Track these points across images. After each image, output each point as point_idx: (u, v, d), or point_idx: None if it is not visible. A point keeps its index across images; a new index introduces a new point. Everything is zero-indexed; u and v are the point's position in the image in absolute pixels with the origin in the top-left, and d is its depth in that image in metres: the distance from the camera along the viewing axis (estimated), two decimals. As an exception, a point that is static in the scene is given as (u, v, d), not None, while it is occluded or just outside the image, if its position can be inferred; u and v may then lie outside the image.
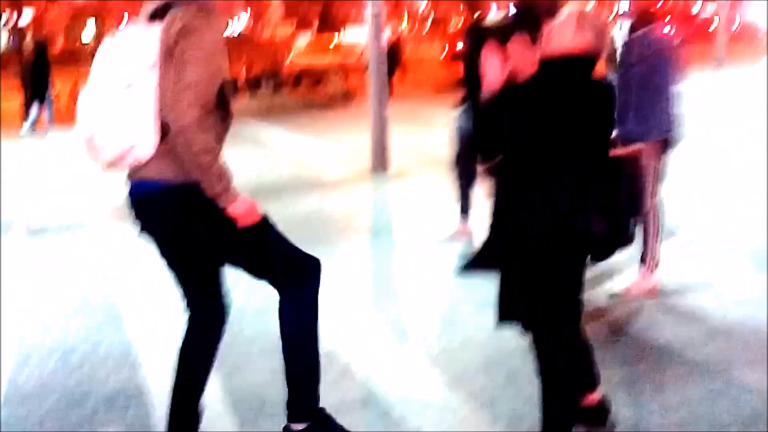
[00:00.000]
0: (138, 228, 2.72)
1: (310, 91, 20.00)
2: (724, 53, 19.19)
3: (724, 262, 4.80)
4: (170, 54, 2.51)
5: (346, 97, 17.93)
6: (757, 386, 3.17)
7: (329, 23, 36.70)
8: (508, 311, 2.80)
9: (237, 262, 2.74)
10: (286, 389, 2.80)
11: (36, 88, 15.40)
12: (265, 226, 2.70)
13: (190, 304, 2.84)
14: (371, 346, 3.88)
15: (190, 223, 2.61)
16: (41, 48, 16.56)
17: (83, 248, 6.22)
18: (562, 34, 2.70)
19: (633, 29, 4.22)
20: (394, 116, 9.29)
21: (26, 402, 3.47)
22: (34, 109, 15.32)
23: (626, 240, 2.73)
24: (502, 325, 2.80)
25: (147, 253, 5.26)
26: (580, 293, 2.75)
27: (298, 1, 36.13)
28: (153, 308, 4.62)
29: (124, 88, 2.51)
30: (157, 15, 2.62)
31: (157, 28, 2.57)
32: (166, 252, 2.75)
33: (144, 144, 2.52)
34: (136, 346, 4.06)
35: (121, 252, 5.96)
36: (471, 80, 5.07)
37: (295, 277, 2.73)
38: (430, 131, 11.87)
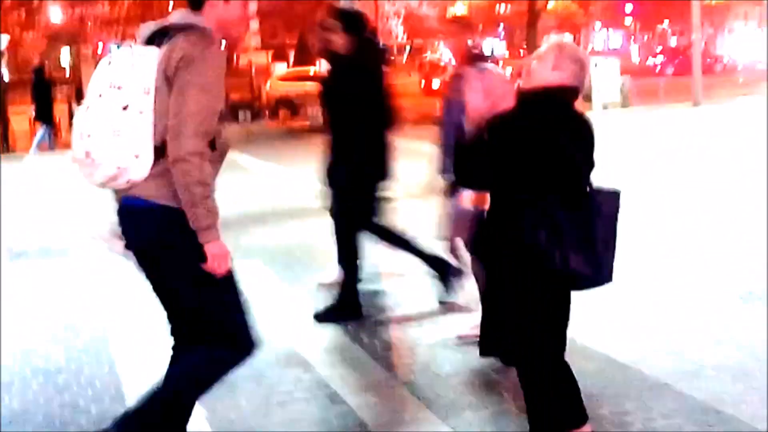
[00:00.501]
0: (124, 244, 2.73)
1: (289, 120, 20.04)
2: (702, 89, 19.56)
3: (712, 297, 4.83)
4: (170, 82, 2.53)
5: (325, 127, 17.98)
6: (749, 422, 3.18)
7: (306, 53, 36.84)
8: (489, 346, 2.81)
9: (183, 303, 2.69)
10: (132, 409, 2.75)
11: (39, 111, 15.55)
12: (229, 283, 2.67)
13: (173, 331, 2.82)
14: (357, 377, 3.86)
15: (169, 246, 2.61)
16: (39, 72, 16.66)
17: (67, 272, 6.15)
18: (541, 69, 2.70)
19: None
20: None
21: (7, 428, 3.40)
22: (39, 132, 15.42)
23: (605, 276, 2.73)
24: (484, 357, 2.80)
25: (132, 276, 5.23)
26: (564, 327, 2.76)
27: (274, 30, 36.29)
28: (138, 333, 4.57)
29: (120, 110, 2.53)
30: (154, 39, 2.64)
31: (153, 52, 2.60)
32: (148, 273, 2.74)
33: (139, 166, 2.55)
34: (120, 372, 4.01)
35: (106, 276, 5.90)
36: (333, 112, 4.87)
37: (226, 343, 2.68)
38: (410, 162, 11.93)
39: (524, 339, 2.72)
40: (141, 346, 4.37)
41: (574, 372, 2.81)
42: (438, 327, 4.52)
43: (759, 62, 35.48)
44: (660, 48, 41.45)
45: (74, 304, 5.23)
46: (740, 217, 6.98)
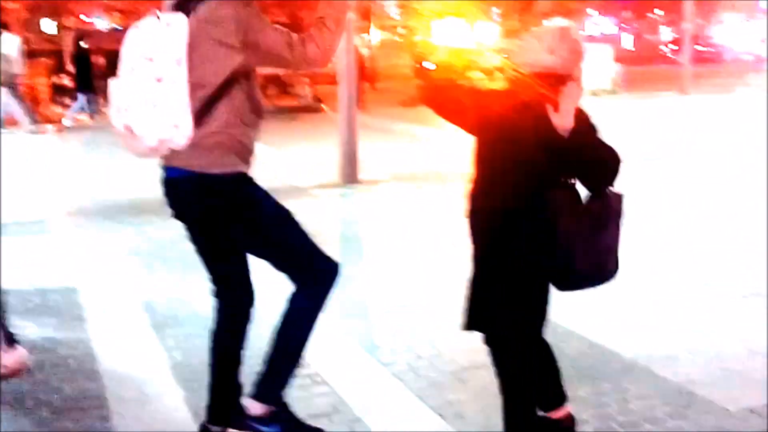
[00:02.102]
0: (171, 213, 2.81)
1: (278, 99, 19.90)
2: (690, 78, 19.57)
3: (688, 283, 4.88)
4: (246, 45, 2.61)
5: (315, 107, 17.89)
6: (719, 404, 3.23)
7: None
8: (473, 321, 2.80)
9: (260, 253, 2.83)
10: (264, 369, 2.86)
11: (80, 81, 15.51)
12: (291, 221, 2.80)
13: (217, 292, 2.92)
14: (341, 356, 3.86)
15: (215, 211, 2.71)
16: (80, 40, 16.59)
17: (43, 247, 6.10)
18: (535, 48, 2.63)
19: None
20: (362, 128, 9.29)
21: (-20, 405, 3.37)
22: (78, 100, 15.41)
23: (607, 276, 2.72)
24: (466, 331, 2.81)
25: (107, 253, 5.18)
26: (546, 310, 2.76)
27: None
28: (113, 310, 4.54)
29: (155, 82, 2.57)
30: (180, 6, 2.64)
31: (182, 20, 2.60)
32: (194, 238, 2.84)
33: (180, 135, 2.61)
34: (96, 349, 3.98)
35: (82, 252, 5.86)
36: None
37: (314, 275, 2.82)
38: (397, 144, 11.93)
39: (509, 318, 2.70)
40: (117, 324, 4.35)
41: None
42: (421, 304, 4.51)
43: (746, 53, 35.65)
44: (674, 36, 41.26)
45: (51, 280, 5.18)
46: (719, 206, 7.03)
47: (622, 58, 22.65)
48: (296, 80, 19.90)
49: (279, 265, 2.82)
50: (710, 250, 5.61)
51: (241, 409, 2.88)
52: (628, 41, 46.87)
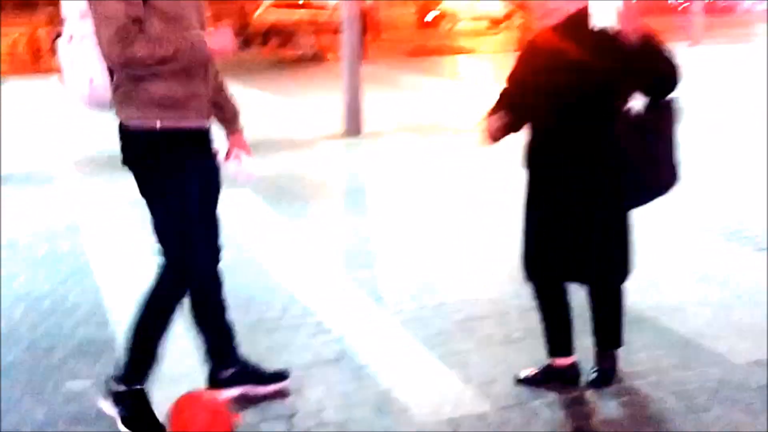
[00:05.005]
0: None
1: (280, 49, 19.70)
2: (701, 29, 19.31)
3: (697, 234, 4.87)
4: None
5: (318, 57, 17.71)
6: (725, 356, 3.24)
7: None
8: (536, 269, 2.88)
9: (152, 214, 2.74)
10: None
11: None
12: (190, 200, 2.70)
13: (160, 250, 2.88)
14: (345, 307, 3.88)
15: (139, 164, 2.69)
16: None
17: (51, 197, 6.11)
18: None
19: None
20: (366, 79, 9.20)
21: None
22: None
23: (668, 186, 2.88)
24: (529, 282, 2.93)
25: (114, 202, 5.20)
26: (629, 247, 2.88)
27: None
28: (121, 258, 4.57)
29: (68, 42, 2.62)
30: None
31: None
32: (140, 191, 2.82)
33: (99, 88, 2.61)
34: (105, 296, 4.03)
35: (89, 201, 5.88)
36: None
37: (173, 264, 2.76)
38: (403, 95, 11.83)
39: (606, 259, 2.88)
40: (125, 272, 4.38)
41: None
42: (425, 256, 4.53)
43: (759, 3, 35.05)
44: None
45: (58, 230, 5.21)
46: (728, 156, 6.99)
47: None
48: (300, 30, 19.70)
49: (156, 234, 2.74)
50: (723, 201, 5.58)
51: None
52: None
